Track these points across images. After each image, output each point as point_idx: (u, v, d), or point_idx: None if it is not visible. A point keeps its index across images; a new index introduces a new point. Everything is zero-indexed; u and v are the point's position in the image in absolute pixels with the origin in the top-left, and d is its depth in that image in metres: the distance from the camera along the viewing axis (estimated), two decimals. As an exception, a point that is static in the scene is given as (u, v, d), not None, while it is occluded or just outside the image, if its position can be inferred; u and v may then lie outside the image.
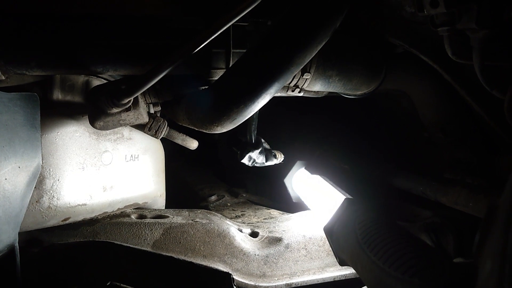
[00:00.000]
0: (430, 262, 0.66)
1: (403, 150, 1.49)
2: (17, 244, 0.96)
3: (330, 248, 1.19)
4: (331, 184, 1.32)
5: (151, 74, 0.89)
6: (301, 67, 0.93)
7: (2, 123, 0.92)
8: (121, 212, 1.23)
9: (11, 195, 0.92)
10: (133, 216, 1.21)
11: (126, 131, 1.20)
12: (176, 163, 1.98)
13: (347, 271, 1.17)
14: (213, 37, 0.86)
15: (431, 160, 1.41)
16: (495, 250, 0.44)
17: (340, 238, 0.91)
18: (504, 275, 0.41)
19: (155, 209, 1.30)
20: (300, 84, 1.09)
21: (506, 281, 0.41)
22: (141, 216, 1.23)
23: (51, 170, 1.06)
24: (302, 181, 1.49)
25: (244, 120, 0.96)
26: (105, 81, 1.14)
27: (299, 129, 1.69)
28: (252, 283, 1.14)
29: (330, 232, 0.95)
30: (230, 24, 0.86)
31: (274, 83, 0.90)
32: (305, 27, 0.88)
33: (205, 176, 1.95)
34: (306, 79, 1.08)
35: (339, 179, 1.40)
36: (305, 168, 1.52)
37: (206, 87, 1.07)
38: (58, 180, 1.07)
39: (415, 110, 1.38)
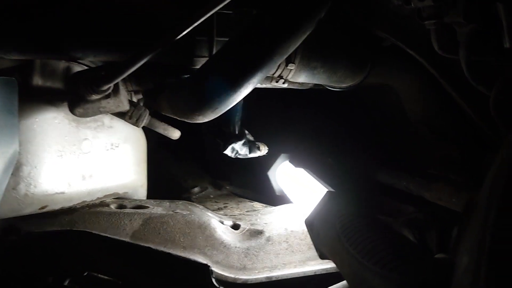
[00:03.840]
0: (409, 257, 0.66)
1: (388, 144, 1.49)
2: (-6, 232, 0.94)
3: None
4: (315, 178, 1.31)
5: (132, 61, 0.87)
6: (285, 57, 0.91)
7: None
8: (101, 201, 1.21)
9: (-10, 182, 0.90)
10: (112, 206, 1.20)
11: (107, 119, 1.18)
12: (160, 154, 1.96)
13: (328, 265, 1.16)
14: (195, 24, 0.85)
15: (416, 155, 1.40)
16: (472, 245, 0.44)
17: (321, 231, 0.90)
18: (480, 270, 0.41)
19: (135, 199, 1.28)
20: (284, 75, 1.08)
21: (481, 276, 0.40)
22: (121, 206, 1.21)
23: (28, 157, 1.03)
24: (285, 174, 1.48)
25: (226, 109, 0.94)
26: (86, 67, 1.12)
27: (284, 122, 1.68)
28: (232, 275, 1.12)
29: (311, 225, 0.94)
30: (213, 11, 0.84)
31: (257, 73, 0.88)
32: (289, 16, 0.87)
33: (189, 168, 1.93)
34: (291, 69, 1.06)
35: (323, 172, 1.39)
36: (289, 161, 1.51)
37: (189, 75, 1.05)
38: (36, 167, 1.04)
39: (401, 105, 1.38)
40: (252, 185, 1.70)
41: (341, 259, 0.79)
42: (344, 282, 0.95)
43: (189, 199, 1.53)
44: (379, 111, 1.52)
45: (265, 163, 1.56)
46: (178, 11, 0.99)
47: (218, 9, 0.84)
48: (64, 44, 0.94)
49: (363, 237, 0.77)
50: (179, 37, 0.86)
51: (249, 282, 1.13)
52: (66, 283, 1.06)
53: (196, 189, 1.62)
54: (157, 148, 1.56)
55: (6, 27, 0.91)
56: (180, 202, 1.29)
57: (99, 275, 1.05)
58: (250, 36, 0.88)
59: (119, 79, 0.91)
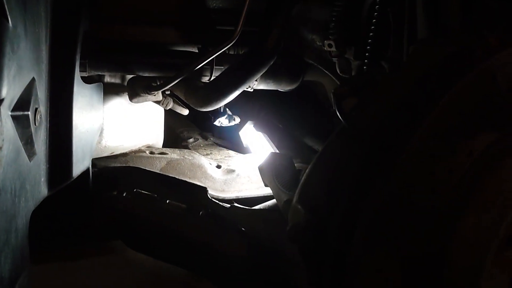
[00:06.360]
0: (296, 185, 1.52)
1: (316, 119, 2.32)
2: (90, 166, 1.74)
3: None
4: (267, 139, 2.15)
5: (173, 79, 1.66)
6: (253, 81, 1.73)
7: (92, 102, 1.66)
8: (139, 149, 2.03)
9: (92, 140, 1.70)
10: (147, 152, 2.01)
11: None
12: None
13: (269, 191, 2.01)
14: (206, 61, 1.64)
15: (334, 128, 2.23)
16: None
17: (265, 173, 1.74)
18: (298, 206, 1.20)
19: (158, 148, 2.10)
20: (251, 85, 1.88)
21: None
22: (151, 152, 2.02)
23: (106, 125, 1.83)
24: (250, 134, 2.31)
25: (219, 106, 1.76)
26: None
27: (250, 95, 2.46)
28: (216, 194, 1.98)
29: (261, 169, 1.78)
30: (217, 54, 1.63)
31: (239, 89, 1.69)
32: (256, 64, 1.67)
33: (182, 122, 2.71)
34: (255, 83, 1.87)
35: (274, 135, 2.23)
36: (253, 126, 2.33)
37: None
38: (110, 131, 1.84)
39: (326, 92, 2.20)
40: (228, 138, 2.53)
41: (272, 187, 1.64)
42: (274, 200, 1.81)
43: (186, 147, 2.35)
44: (314, 96, 2.34)
45: (237, 125, 2.37)
46: (194, 51, 1.78)
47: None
48: (133, 66, 1.71)
49: (282, 177, 1.62)
50: (197, 67, 1.65)
51: (226, 198, 1.99)
52: (123, 194, 1.87)
53: (191, 140, 2.43)
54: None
55: (102, 57, 1.67)
56: (185, 150, 2.11)
57: (143, 191, 1.87)
58: (237, 71, 1.68)
59: (164, 89, 1.70)
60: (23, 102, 1.13)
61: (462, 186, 0.91)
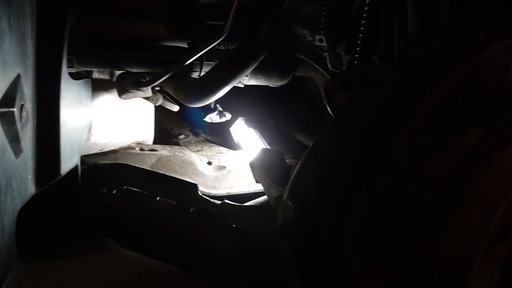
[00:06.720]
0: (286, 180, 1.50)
1: (307, 113, 2.31)
2: (79, 163, 1.72)
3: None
4: (258, 135, 2.14)
5: (162, 74, 1.63)
6: (243, 76, 1.71)
7: (80, 98, 1.64)
8: (129, 145, 2.01)
9: (80, 137, 1.68)
10: (137, 149, 1.99)
11: (136, 97, 1.95)
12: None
13: (260, 187, 2.01)
14: (196, 57, 1.62)
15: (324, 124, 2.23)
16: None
17: (256, 169, 1.74)
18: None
19: (149, 145, 2.08)
20: (241, 81, 1.87)
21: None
22: (141, 149, 2.00)
23: (95, 122, 1.81)
24: (241, 131, 2.30)
25: (208, 103, 1.74)
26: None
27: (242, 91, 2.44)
28: (207, 191, 1.97)
29: (252, 165, 1.77)
30: (206, 49, 1.61)
31: (228, 85, 1.67)
32: (248, 58, 1.66)
33: (171, 117, 2.69)
34: (245, 78, 1.86)
35: (265, 131, 2.21)
36: (244, 122, 2.32)
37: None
38: (99, 127, 1.83)
39: (317, 87, 2.19)
40: (218, 134, 2.51)
41: (264, 183, 1.64)
42: (265, 196, 1.80)
43: (177, 143, 2.33)
44: (305, 92, 2.33)
45: (228, 121, 2.36)
46: (184, 46, 1.76)
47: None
48: (122, 62, 1.69)
49: (272, 173, 1.61)
50: (187, 63, 1.63)
51: (217, 195, 1.98)
52: (113, 192, 1.86)
53: (182, 136, 2.41)
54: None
55: (90, 53, 1.65)
56: (176, 147, 2.10)
57: (133, 188, 1.85)
58: (227, 67, 1.66)
59: (154, 84, 1.68)
60: (8, 99, 1.11)
61: (453, 182, 0.91)
